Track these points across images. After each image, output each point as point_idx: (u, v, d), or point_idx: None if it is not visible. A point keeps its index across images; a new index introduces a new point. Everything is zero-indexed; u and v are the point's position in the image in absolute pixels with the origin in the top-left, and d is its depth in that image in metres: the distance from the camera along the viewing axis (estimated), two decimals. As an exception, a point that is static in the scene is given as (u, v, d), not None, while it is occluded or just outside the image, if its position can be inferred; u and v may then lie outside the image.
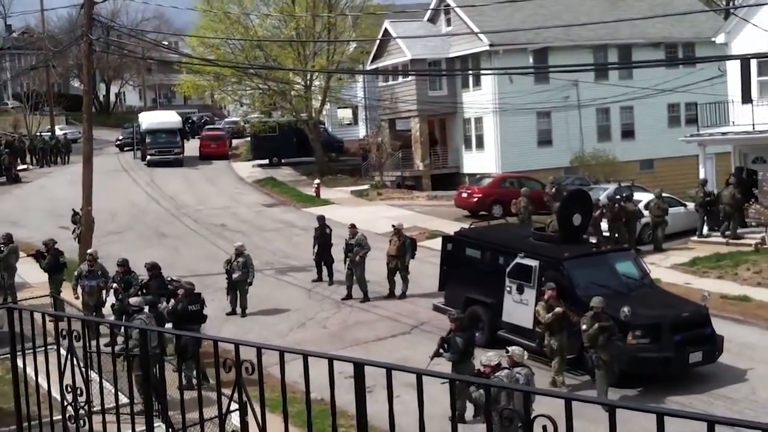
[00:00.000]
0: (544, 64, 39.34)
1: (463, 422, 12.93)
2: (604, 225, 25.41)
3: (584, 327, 14.24)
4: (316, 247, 23.74)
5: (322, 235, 23.67)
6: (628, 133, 42.05)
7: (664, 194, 27.74)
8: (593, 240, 19.72)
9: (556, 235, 17.99)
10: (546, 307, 15.05)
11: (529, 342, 15.97)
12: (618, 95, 39.12)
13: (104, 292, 19.14)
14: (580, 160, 39.60)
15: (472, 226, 20.54)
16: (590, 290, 15.53)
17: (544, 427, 4.00)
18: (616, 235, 25.45)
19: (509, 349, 12.14)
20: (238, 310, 20.84)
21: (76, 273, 19.50)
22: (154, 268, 18.19)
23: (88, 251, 20.51)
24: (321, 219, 24.49)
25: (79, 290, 19.14)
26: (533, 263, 16.46)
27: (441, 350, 13.82)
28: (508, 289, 16.85)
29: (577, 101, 40.24)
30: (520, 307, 16.57)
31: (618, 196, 26.80)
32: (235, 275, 20.70)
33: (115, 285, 18.41)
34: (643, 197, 28.10)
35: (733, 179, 27.00)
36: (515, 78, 37.77)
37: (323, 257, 23.65)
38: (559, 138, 40.53)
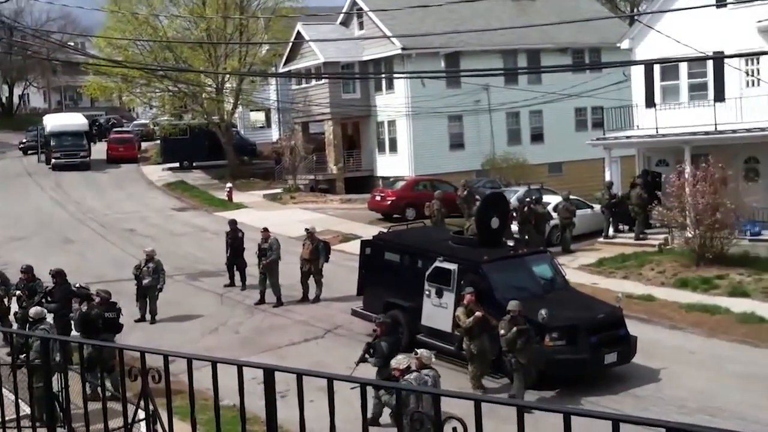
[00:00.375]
0: (456, 68, 39.78)
1: (377, 425, 12.91)
2: (514, 227, 25.79)
3: (502, 331, 14.21)
4: (228, 251, 23.44)
5: (234, 240, 23.38)
6: (537, 137, 42.91)
7: (571, 196, 28.37)
8: (510, 243, 19.61)
9: (474, 239, 17.99)
10: (466, 311, 14.95)
11: (449, 345, 15.99)
12: (528, 99, 39.89)
13: (6, 300, 18.40)
14: (491, 163, 40.19)
15: (390, 230, 20.34)
16: (508, 293, 15.57)
17: (455, 429, 3.99)
18: (526, 237, 25.87)
19: (417, 351, 12.07)
20: (148, 316, 20.35)
21: None
22: (58, 275, 17.61)
23: None
24: (233, 223, 24.18)
25: None
26: (452, 267, 16.44)
27: (366, 355, 13.63)
28: (427, 292, 16.78)
29: (488, 105, 40.84)
30: (439, 311, 16.52)
31: (527, 199, 27.27)
32: (145, 281, 20.26)
33: (18, 292, 17.68)
34: (552, 200, 28.68)
35: (639, 180, 27.82)
36: (427, 82, 38.10)
37: (235, 262, 23.36)
38: (471, 141, 41.05)
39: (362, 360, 13.64)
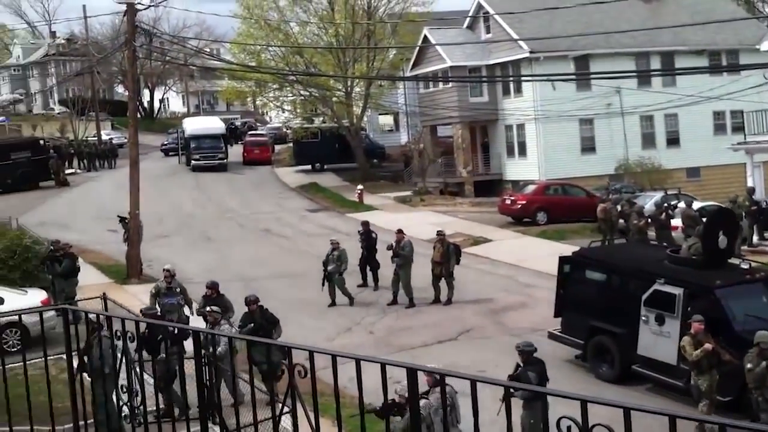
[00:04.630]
0: (586, 70, 39.15)
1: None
2: (651, 233, 25.22)
3: (749, 366, 12.61)
4: (362, 252, 23.87)
5: (368, 240, 23.75)
6: (673, 141, 41.71)
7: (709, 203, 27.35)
8: (744, 265, 16.65)
9: (695, 259, 15.92)
10: (693, 342, 13.27)
11: (672, 380, 14.56)
12: (662, 102, 38.81)
13: (185, 309, 17.91)
14: (624, 167, 39.36)
15: (591, 245, 18.79)
16: (747, 323, 13.90)
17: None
18: (664, 244, 25.13)
19: (431, 366, 10.20)
20: (345, 299, 21.89)
21: (153, 290, 18.35)
22: (255, 302, 16.11)
23: (165, 267, 18.66)
24: (365, 224, 24.60)
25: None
26: (677, 291, 14.72)
27: (511, 389, 12.47)
28: (644, 318, 15.11)
29: (620, 108, 40.01)
30: (660, 340, 14.80)
31: (665, 204, 26.51)
32: (329, 267, 21.73)
33: (216, 308, 15.52)
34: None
35: None
36: (557, 85, 37.65)
37: (369, 262, 23.76)
38: (603, 145, 40.31)
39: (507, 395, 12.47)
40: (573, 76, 38.88)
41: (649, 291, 15.09)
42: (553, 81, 36.67)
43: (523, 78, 39.54)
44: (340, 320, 20.81)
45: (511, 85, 41.74)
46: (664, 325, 14.74)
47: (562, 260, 17.71)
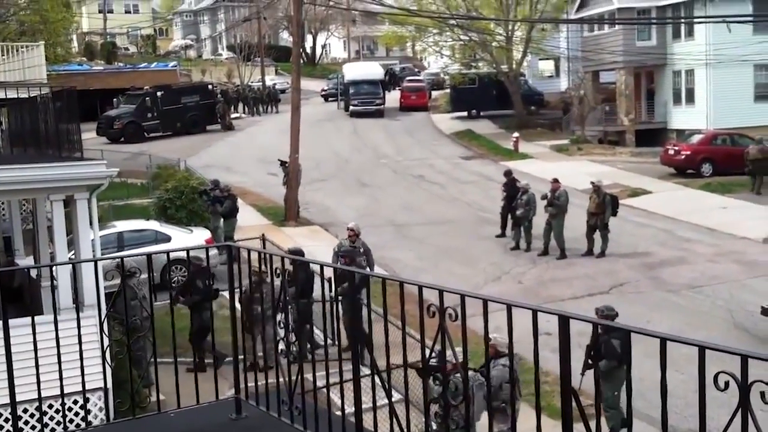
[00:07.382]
0: (766, 11, 36.59)
1: None
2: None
3: None
4: (504, 200, 23.51)
5: (511, 189, 23.31)
6: None
7: None
8: None
9: None
10: None
11: None
12: None
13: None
14: (802, 118, 36.78)
15: None
16: None
17: (762, 394, 3.77)
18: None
19: (493, 336, 8.73)
20: (522, 244, 22.15)
21: (335, 248, 16.90)
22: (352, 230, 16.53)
23: (349, 225, 16.93)
24: (508, 173, 24.25)
25: None
26: None
27: (590, 360, 10.55)
28: None
29: (802, 53, 37.23)
30: None
31: None
32: (518, 212, 22.02)
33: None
34: None
35: None
36: (733, 27, 35.39)
37: (511, 211, 23.22)
38: (780, 93, 37.78)
39: (587, 367, 10.53)
40: (751, 18, 36.46)
41: None
42: (728, 23, 34.54)
43: (696, 20, 37.52)
44: (490, 269, 20.76)
45: (683, 28, 39.75)
46: None
47: None
